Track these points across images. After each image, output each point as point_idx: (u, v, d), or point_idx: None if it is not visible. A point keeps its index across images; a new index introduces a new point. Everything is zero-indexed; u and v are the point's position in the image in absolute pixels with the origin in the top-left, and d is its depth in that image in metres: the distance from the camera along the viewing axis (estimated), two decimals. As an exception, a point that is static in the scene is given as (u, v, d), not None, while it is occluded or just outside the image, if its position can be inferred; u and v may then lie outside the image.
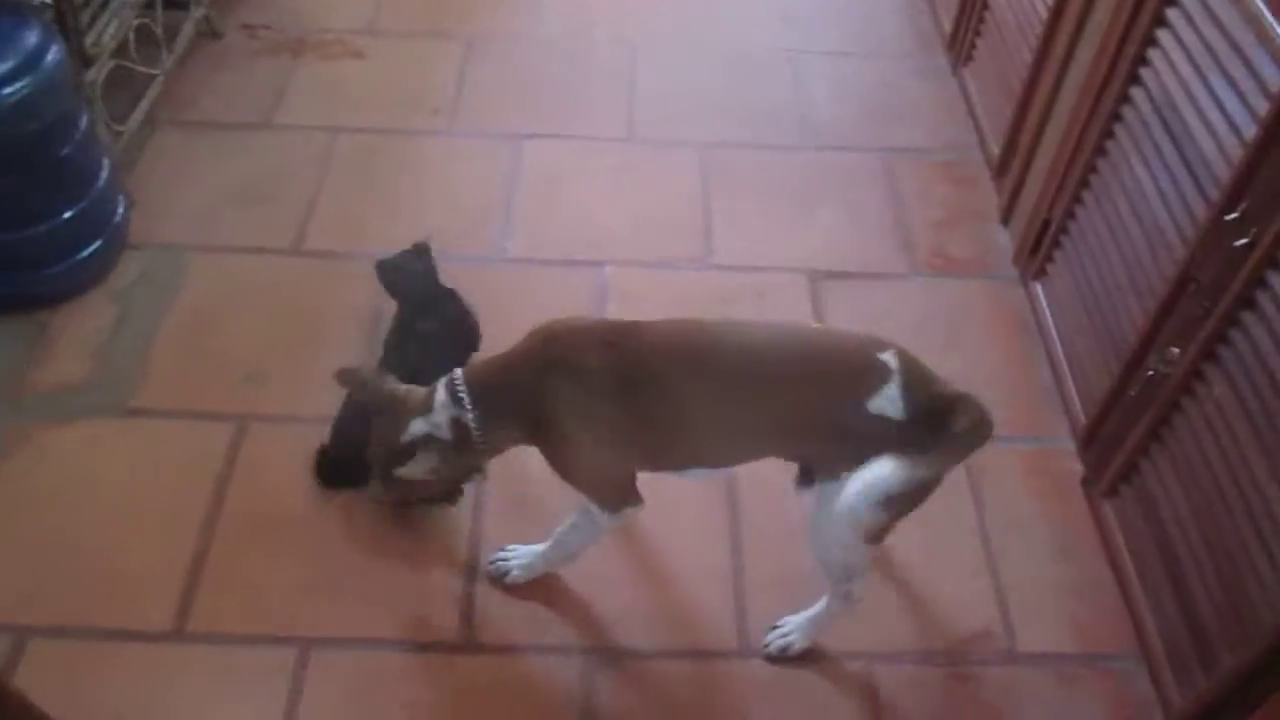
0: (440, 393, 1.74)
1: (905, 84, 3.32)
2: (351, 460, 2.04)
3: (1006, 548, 2.16)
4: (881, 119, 3.18)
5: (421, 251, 2.18)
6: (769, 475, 2.09)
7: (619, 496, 1.86)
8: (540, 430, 1.75)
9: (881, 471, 1.63)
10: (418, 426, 1.74)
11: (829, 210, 2.87)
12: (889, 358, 1.62)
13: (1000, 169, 2.89)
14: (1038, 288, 2.58)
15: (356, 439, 1.97)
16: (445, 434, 1.73)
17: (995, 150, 2.93)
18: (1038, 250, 2.59)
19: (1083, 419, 2.29)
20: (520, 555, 2.05)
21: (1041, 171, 2.60)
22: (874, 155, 3.05)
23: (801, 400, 1.64)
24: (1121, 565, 2.08)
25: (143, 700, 1.88)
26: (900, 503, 1.68)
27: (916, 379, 1.63)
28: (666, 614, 2.03)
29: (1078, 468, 2.28)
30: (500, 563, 2.05)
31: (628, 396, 1.67)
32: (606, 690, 1.93)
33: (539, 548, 2.02)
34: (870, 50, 3.45)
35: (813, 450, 1.72)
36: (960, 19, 3.26)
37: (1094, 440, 2.23)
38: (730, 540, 2.14)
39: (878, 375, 1.59)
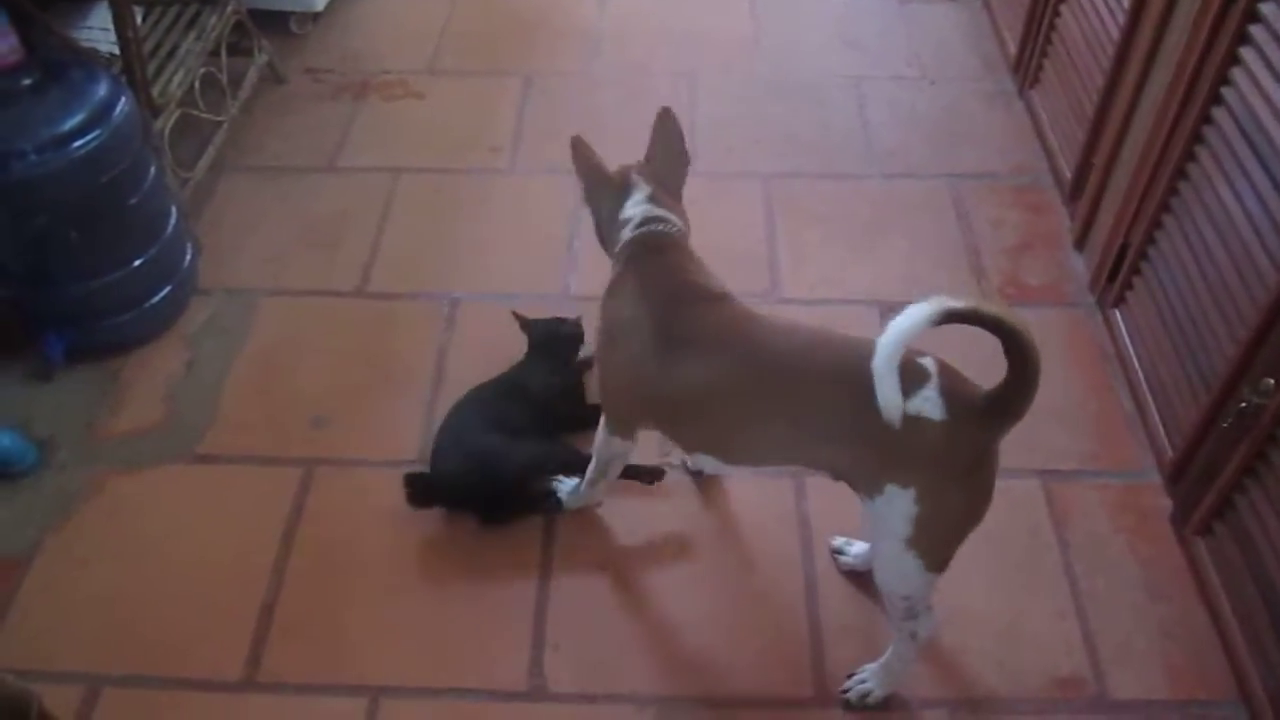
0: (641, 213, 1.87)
1: (971, 108, 3.26)
2: (447, 479, 2.15)
3: (1093, 588, 2.07)
4: (948, 144, 3.12)
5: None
6: (844, 513, 2.06)
7: (614, 415, 1.95)
8: (607, 305, 1.87)
9: (898, 506, 1.60)
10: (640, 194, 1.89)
11: (898, 239, 2.81)
12: (927, 361, 1.57)
13: (1073, 193, 2.82)
14: (1117, 315, 2.49)
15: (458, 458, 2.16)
16: (623, 210, 1.88)
17: (1067, 174, 2.85)
18: (1115, 276, 2.50)
19: (1170, 452, 2.20)
20: (568, 483, 2.15)
21: (1118, 195, 2.52)
22: (942, 181, 2.99)
23: (835, 401, 1.59)
24: (1218, 607, 1.99)
25: (214, 751, 1.87)
26: (937, 533, 1.62)
27: (957, 381, 1.57)
28: (741, 660, 1.98)
29: (1166, 503, 2.19)
30: (556, 489, 2.16)
31: (671, 358, 1.72)
32: (681, 740, 1.88)
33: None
34: (934, 75, 3.39)
35: (848, 458, 1.65)
36: (1025, 40, 3.19)
37: (1183, 475, 2.13)
38: (805, 582, 2.08)
39: (915, 377, 1.53)
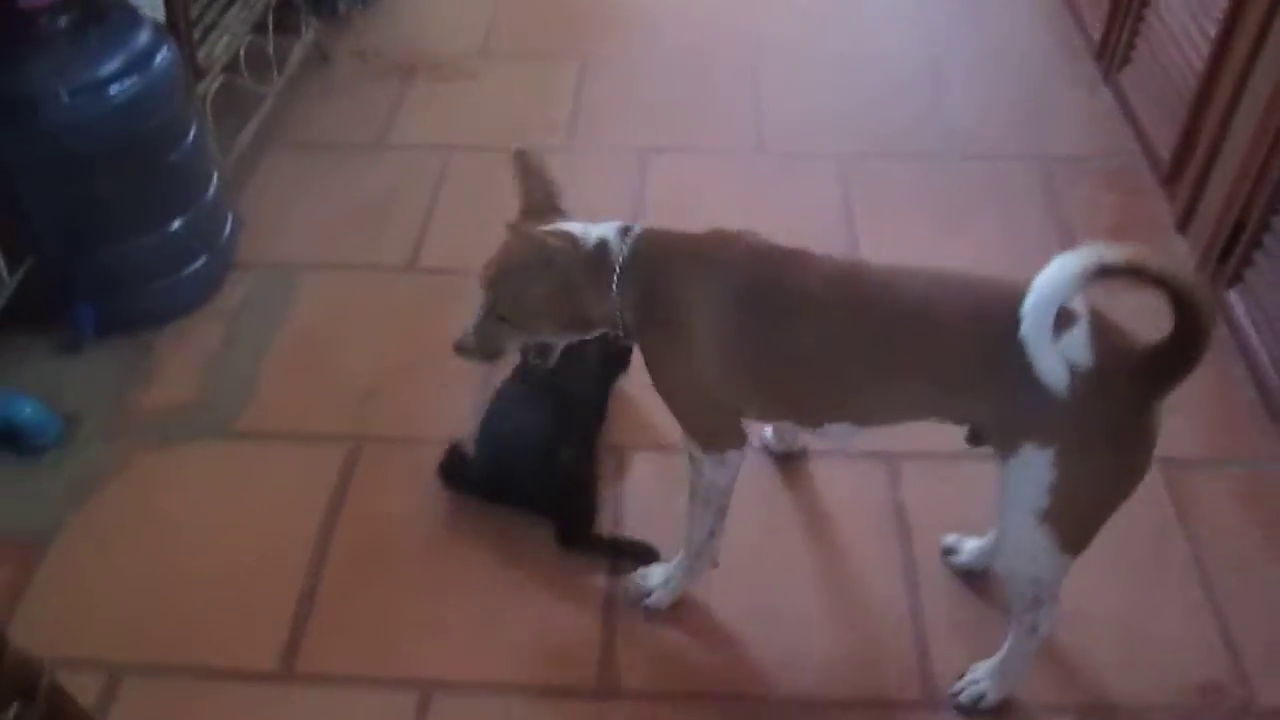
0: (611, 228, 1.59)
1: (1052, 92, 3.08)
2: (487, 466, 1.95)
3: (1230, 585, 1.85)
4: (1031, 127, 2.94)
5: None
6: (941, 501, 1.93)
7: (717, 431, 1.65)
8: (654, 324, 1.57)
9: (1034, 471, 1.41)
10: (574, 226, 1.59)
11: (984, 221, 2.61)
12: (1077, 303, 1.37)
13: (1171, 175, 2.62)
14: (1232, 296, 2.29)
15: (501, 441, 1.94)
16: (588, 246, 1.57)
17: (1164, 155, 2.66)
18: (1228, 256, 2.30)
19: (1305, 439, 1.99)
20: (657, 573, 1.82)
21: (1229, 171, 2.32)
22: (1028, 163, 2.80)
23: (971, 340, 1.42)
24: (1377, 605, 1.76)
25: (246, 748, 1.67)
26: (1076, 505, 1.44)
27: (1111, 327, 1.39)
28: (837, 658, 1.76)
29: (1304, 494, 1.97)
30: (640, 581, 1.83)
31: (774, 325, 1.50)
32: (773, 745, 1.67)
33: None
34: (1012, 60, 3.23)
35: (982, 407, 1.48)
36: (1112, 23, 3.01)
37: (1322, 462, 1.92)
38: (904, 574, 1.87)
39: (1062, 318, 1.33)
